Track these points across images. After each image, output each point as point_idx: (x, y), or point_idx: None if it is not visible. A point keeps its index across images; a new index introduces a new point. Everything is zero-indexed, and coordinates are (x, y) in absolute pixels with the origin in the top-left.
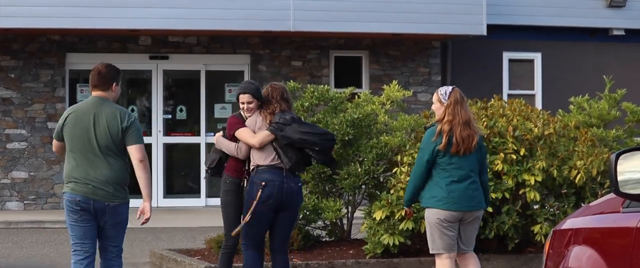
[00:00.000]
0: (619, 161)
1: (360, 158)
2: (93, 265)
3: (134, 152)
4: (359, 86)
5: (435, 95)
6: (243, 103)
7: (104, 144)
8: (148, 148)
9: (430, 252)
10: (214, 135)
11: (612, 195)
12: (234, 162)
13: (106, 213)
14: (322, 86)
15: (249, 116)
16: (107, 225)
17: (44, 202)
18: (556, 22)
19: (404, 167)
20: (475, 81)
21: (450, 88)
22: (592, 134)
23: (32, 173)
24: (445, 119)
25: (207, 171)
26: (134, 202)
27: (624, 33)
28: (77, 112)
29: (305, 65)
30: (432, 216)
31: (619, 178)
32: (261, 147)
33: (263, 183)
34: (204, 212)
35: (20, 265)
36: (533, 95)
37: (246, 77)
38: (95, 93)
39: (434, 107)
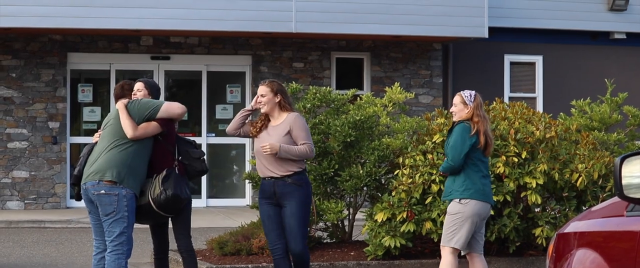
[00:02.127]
0: (623, 165)
1: (362, 160)
2: (103, 261)
3: (171, 109)
4: (360, 88)
5: (457, 97)
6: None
7: (108, 133)
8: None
9: (446, 244)
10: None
11: (616, 199)
12: None
13: (97, 202)
14: (324, 88)
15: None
16: (100, 213)
17: (45, 201)
18: (558, 25)
19: (405, 169)
20: (477, 84)
21: (472, 92)
22: (593, 137)
23: (33, 173)
24: (476, 119)
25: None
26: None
27: (625, 36)
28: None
29: (306, 67)
30: (472, 209)
31: (624, 182)
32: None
33: None
34: (205, 213)
35: (21, 265)
36: (534, 98)
37: (247, 79)
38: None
39: (455, 108)
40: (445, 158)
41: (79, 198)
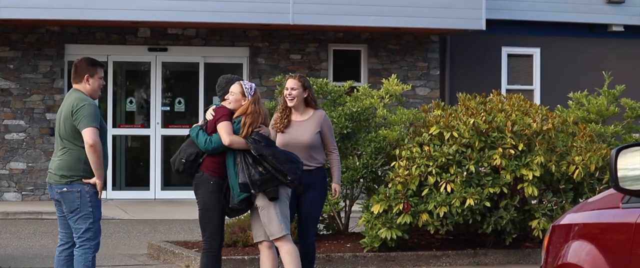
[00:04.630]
0: (619, 157)
1: (359, 152)
2: (66, 253)
3: (84, 136)
4: (358, 80)
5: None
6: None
7: (61, 132)
8: (145, 139)
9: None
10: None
11: (611, 191)
12: (213, 160)
13: (61, 200)
14: (321, 79)
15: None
16: (65, 211)
17: (42, 193)
18: (555, 17)
19: (402, 161)
20: (474, 76)
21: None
22: (590, 130)
23: (30, 164)
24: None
25: (182, 164)
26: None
27: (623, 29)
28: (60, 106)
29: (304, 59)
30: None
31: (619, 174)
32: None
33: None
34: None
35: (18, 256)
36: (531, 91)
37: (245, 70)
38: (73, 85)
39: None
40: None
41: None
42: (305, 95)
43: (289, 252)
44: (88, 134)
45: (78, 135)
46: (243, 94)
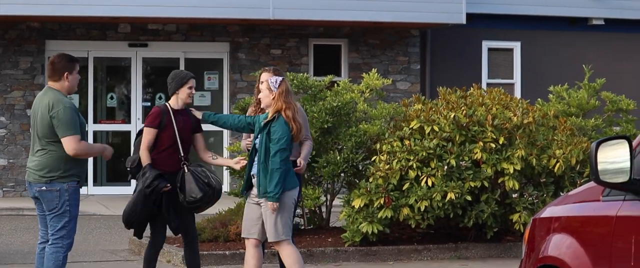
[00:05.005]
0: (599, 150)
1: (339, 147)
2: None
3: (64, 145)
4: (338, 74)
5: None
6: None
7: (39, 132)
8: (126, 135)
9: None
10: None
11: (592, 184)
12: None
13: (40, 198)
14: (301, 74)
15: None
16: (44, 209)
17: (23, 189)
18: (536, 11)
19: (382, 155)
20: (455, 70)
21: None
22: (571, 123)
23: (11, 161)
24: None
25: (129, 171)
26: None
27: (603, 23)
28: (34, 103)
29: (284, 54)
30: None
31: (599, 167)
32: None
33: None
34: None
35: None
36: (512, 84)
37: (225, 65)
38: (48, 83)
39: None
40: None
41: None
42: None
43: (289, 255)
44: (68, 144)
45: (56, 136)
46: (270, 89)
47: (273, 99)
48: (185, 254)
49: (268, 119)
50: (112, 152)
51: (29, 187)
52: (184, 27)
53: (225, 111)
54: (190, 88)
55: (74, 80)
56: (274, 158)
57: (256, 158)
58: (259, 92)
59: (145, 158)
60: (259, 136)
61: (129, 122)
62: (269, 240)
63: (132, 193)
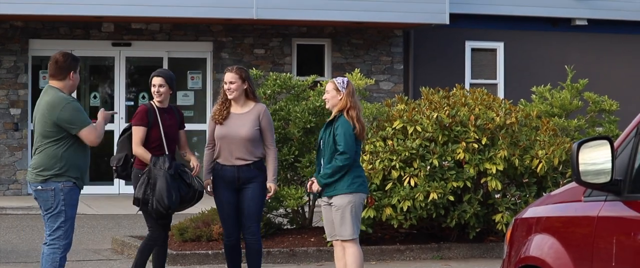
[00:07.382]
0: (580, 150)
1: None
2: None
3: (84, 140)
4: (322, 74)
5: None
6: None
7: (38, 131)
8: (109, 134)
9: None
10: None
11: (573, 184)
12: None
13: (36, 197)
14: (284, 74)
15: (160, 101)
16: (41, 208)
17: (6, 188)
18: (519, 11)
19: (365, 155)
20: (438, 70)
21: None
22: (554, 124)
23: None
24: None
25: (115, 170)
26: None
27: (586, 23)
28: (36, 104)
29: (267, 53)
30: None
31: (581, 167)
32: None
33: None
34: None
35: None
36: (495, 85)
37: (209, 65)
38: (50, 82)
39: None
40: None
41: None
42: (245, 87)
43: (353, 254)
44: (87, 137)
45: (53, 133)
46: (337, 90)
47: (340, 99)
48: (156, 249)
49: (330, 118)
50: (109, 113)
51: (29, 187)
52: (167, 27)
53: (208, 111)
54: (154, 86)
55: (77, 78)
56: (338, 157)
57: (322, 160)
58: (225, 92)
59: (143, 153)
60: (322, 136)
61: (112, 121)
62: (342, 239)
63: (115, 193)
